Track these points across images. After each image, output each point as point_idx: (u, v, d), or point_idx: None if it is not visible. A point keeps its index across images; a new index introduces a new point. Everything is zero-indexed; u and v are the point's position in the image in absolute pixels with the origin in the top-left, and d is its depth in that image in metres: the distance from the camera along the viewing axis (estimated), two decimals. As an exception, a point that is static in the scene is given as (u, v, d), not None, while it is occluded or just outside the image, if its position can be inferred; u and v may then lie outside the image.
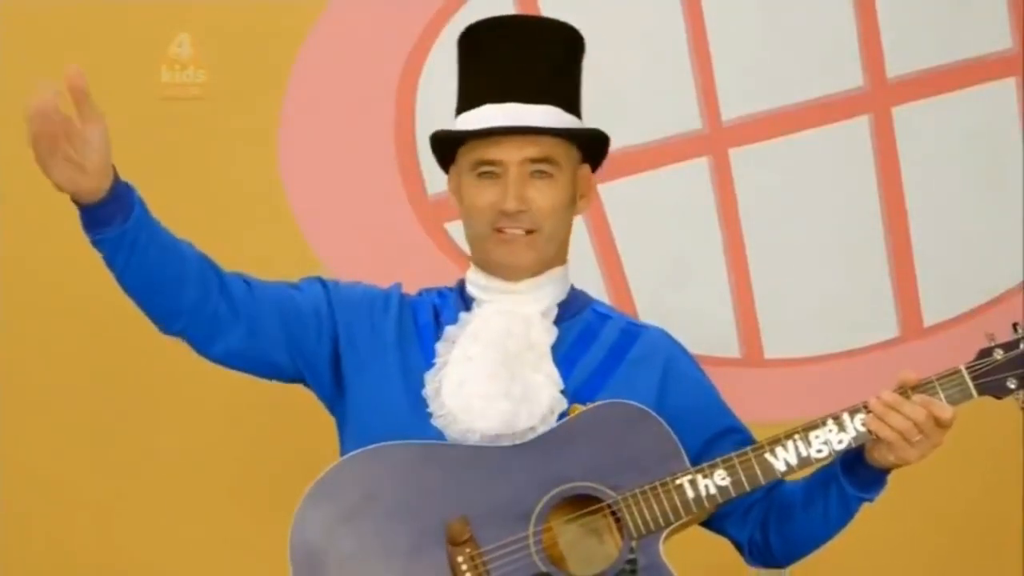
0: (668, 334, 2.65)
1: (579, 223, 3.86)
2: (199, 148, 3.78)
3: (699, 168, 3.88)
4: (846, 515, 2.48)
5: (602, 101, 3.81)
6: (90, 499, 3.75)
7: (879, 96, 3.92)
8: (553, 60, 2.55)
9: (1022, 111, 3.95)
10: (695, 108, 3.87)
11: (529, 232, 2.48)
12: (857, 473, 2.42)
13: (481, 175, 2.49)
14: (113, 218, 2.39)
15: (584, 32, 3.84)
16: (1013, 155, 3.94)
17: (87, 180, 2.32)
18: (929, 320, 3.94)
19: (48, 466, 3.74)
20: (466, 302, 2.56)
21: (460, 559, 2.32)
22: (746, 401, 3.52)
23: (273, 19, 3.77)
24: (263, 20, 3.77)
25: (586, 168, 2.59)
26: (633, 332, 2.58)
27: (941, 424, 2.38)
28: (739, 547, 2.57)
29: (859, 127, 3.92)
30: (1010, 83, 3.95)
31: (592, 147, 2.59)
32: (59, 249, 3.75)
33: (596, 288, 3.77)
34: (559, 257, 2.56)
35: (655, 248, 3.87)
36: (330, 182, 3.78)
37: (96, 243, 2.43)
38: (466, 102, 2.53)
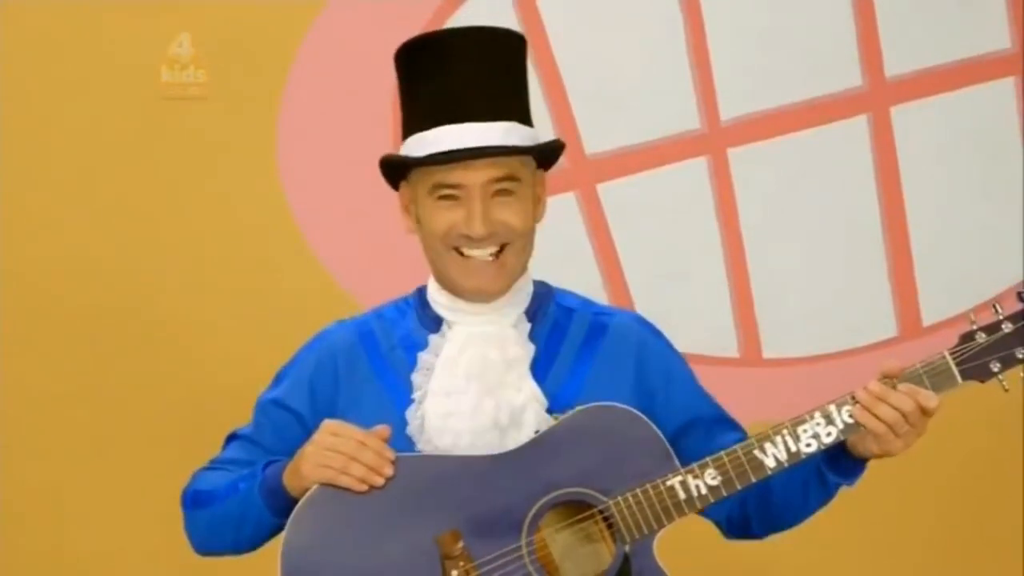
0: (639, 318, 2.60)
1: (577, 223, 3.89)
2: (199, 148, 3.78)
3: (698, 168, 3.88)
4: (825, 498, 2.46)
5: (601, 101, 3.86)
6: (89, 502, 3.75)
7: (878, 96, 3.92)
8: (504, 72, 2.44)
9: (1021, 111, 3.95)
10: (694, 108, 3.87)
11: (498, 253, 2.41)
12: (838, 460, 2.41)
13: (443, 199, 2.41)
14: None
15: (584, 32, 3.88)
16: (1012, 155, 3.94)
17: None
18: (928, 320, 3.94)
19: (47, 468, 3.75)
20: (432, 320, 2.49)
21: (454, 573, 2.31)
22: (745, 401, 3.52)
23: (273, 19, 3.77)
24: (263, 20, 3.77)
25: (540, 173, 2.51)
26: (602, 324, 2.51)
27: (927, 413, 2.36)
28: (717, 524, 2.55)
29: (858, 127, 3.92)
30: (1009, 83, 3.95)
31: (548, 158, 2.51)
32: (59, 251, 3.76)
33: (595, 288, 3.78)
34: (523, 270, 2.50)
35: (654, 248, 3.87)
36: (329, 182, 3.78)
37: (276, 527, 2.42)
38: (417, 123, 2.44)
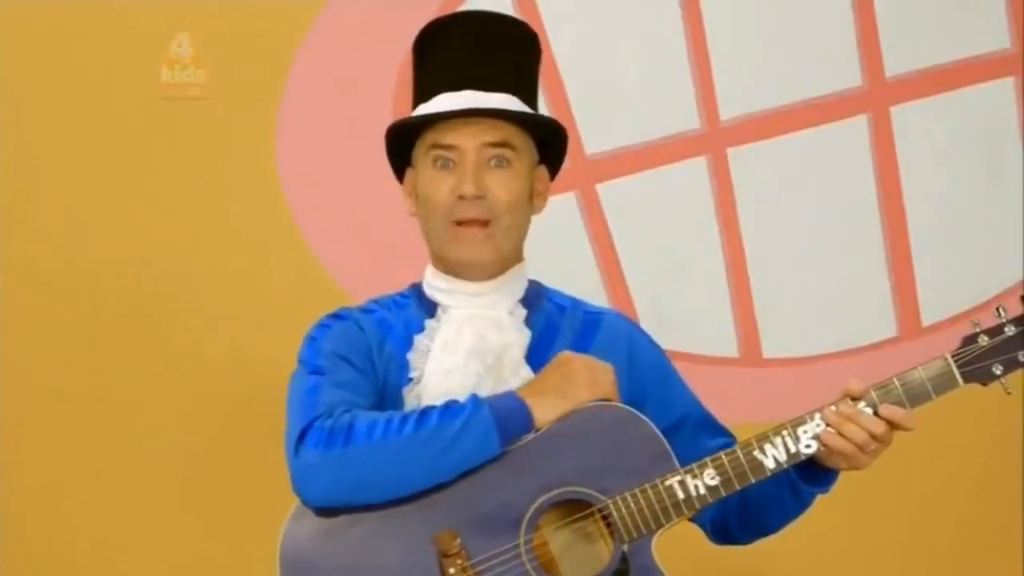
0: (626, 316, 2.66)
1: (577, 223, 3.89)
2: (199, 148, 3.78)
3: (697, 167, 3.88)
4: (800, 507, 2.47)
5: (601, 100, 3.86)
6: (88, 502, 3.74)
7: (877, 95, 3.92)
8: (509, 52, 2.50)
9: (1021, 111, 3.95)
10: (693, 107, 3.87)
11: (485, 224, 2.45)
12: (810, 469, 2.41)
13: (438, 166, 2.47)
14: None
15: (584, 32, 3.88)
16: (1012, 155, 3.94)
17: None
18: (928, 319, 3.94)
19: (46, 469, 3.74)
20: (428, 307, 2.53)
21: (452, 571, 2.31)
22: (744, 401, 3.53)
23: (273, 19, 3.77)
24: (263, 20, 3.77)
25: (543, 169, 2.56)
26: (594, 320, 2.56)
27: (905, 429, 2.37)
28: (703, 527, 2.56)
29: (857, 126, 3.92)
30: (1009, 83, 3.95)
31: (549, 148, 2.55)
32: (59, 251, 3.76)
33: (594, 288, 3.78)
34: (517, 255, 2.54)
35: (654, 248, 3.87)
36: (329, 182, 3.78)
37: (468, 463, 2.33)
38: (420, 96, 2.51)
